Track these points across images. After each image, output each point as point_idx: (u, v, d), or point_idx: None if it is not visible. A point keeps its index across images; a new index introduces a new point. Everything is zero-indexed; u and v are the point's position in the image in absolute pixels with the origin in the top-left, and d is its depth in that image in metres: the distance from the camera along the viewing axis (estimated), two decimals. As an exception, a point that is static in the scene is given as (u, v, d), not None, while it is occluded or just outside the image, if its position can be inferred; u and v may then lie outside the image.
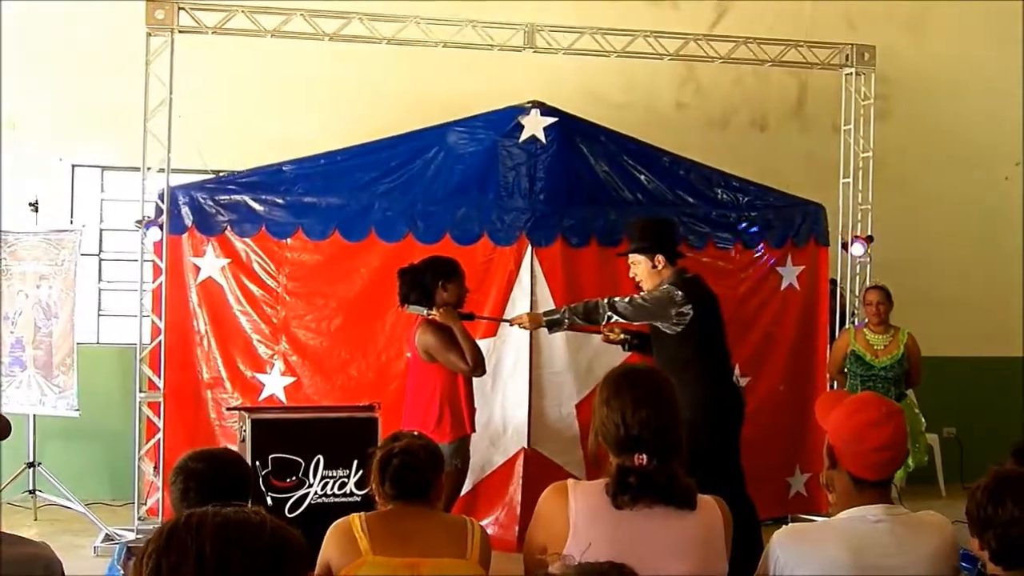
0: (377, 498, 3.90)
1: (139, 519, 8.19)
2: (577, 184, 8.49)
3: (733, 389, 7.01)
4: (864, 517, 3.25)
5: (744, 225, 9.07)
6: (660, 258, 6.81)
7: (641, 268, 6.87)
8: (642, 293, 6.82)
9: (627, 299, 6.79)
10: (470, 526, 3.78)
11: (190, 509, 3.43)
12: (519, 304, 8.23)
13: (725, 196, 9.07)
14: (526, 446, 8.28)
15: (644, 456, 3.22)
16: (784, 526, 3.39)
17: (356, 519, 3.72)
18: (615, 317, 6.80)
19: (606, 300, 6.80)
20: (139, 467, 8.23)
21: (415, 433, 4.06)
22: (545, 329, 7.23)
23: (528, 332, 7.90)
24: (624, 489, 3.19)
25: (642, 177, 8.78)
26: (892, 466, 3.29)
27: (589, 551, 3.11)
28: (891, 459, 3.27)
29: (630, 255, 6.95)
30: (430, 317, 6.93)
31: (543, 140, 8.25)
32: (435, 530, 3.75)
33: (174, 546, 1.81)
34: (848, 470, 3.28)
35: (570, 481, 3.27)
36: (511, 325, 7.47)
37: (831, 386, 9.12)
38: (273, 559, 1.85)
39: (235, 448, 7.16)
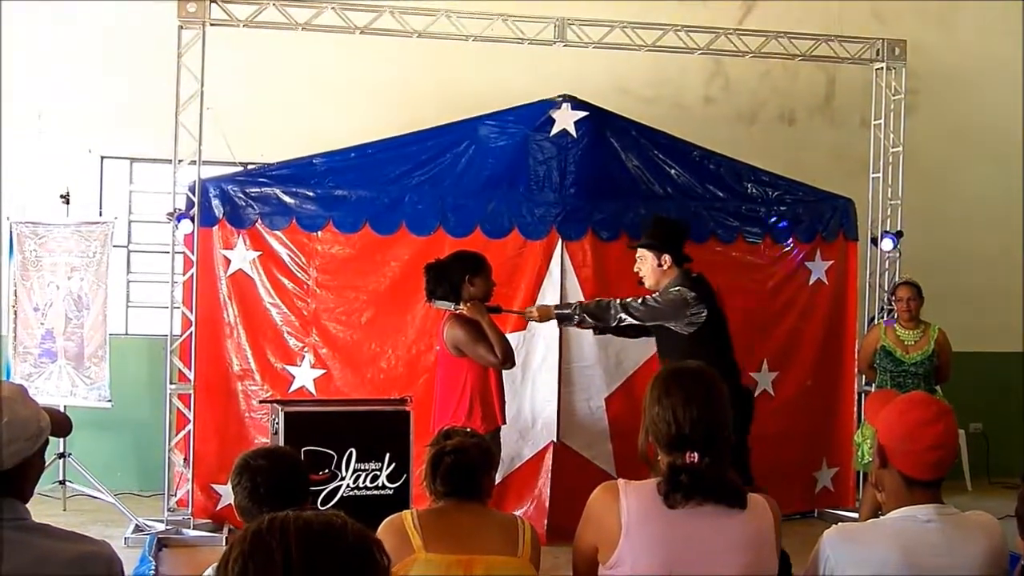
0: (429, 495, 3.88)
1: (169, 510, 8.22)
2: (607, 178, 8.48)
3: (742, 388, 7.00)
4: (915, 517, 3.23)
5: (773, 219, 9.06)
6: (667, 258, 6.88)
7: (647, 264, 6.94)
8: (655, 295, 6.86)
9: (640, 301, 6.83)
10: (521, 525, 3.76)
11: (260, 507, 3.49)
12: (548, 298, 8.21)
13: (754, 190, 9.06)
14: (555, 440, 8.28)
15: (695, 454, 3.20)
16: (833, 525, 3.36)
17: (408, 516, 3.69)
18: (627, 319, 6.83)
19: (619, 301, 6.87)
20: (169, 458, 8.24)
21: (467, 430, 4.04)
22: (600, 321, 7.23)
23: (558, 326, 7.90)
24: (676, 487, 3.17)
25: (672, 171, 8.78)
26: (943, 465, 3.26)
27: (642, 551, 3.11)
28: (942, 458, 3.24)
29: (639, 249, 7.01)
30: (458, 312, 6.92)
31: (574, 134, 8.25)
32: (487, 528, 3.73)
33: (259, 550, 1.80)
34: (899, 469, 3.25)
35: (620, 481, 3.25)
36: (525, 316, 7.48)
37: (860, 381, 9.11)
38: (358, 561, 1.85)
39: (268, 441, 7.21)
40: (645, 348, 7.69)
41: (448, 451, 3.81)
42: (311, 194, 8.31)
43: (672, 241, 6.95)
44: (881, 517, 3.34)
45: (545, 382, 8.34)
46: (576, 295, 8.20)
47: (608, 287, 8.11)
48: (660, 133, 8.77)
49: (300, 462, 3.86)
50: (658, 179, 8.74)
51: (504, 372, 7.10)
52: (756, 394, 8.78)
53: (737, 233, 8.95)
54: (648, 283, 6.94)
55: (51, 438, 2.90)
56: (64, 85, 9.58)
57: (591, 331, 7.54)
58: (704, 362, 6.36)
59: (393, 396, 7.64)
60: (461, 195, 8.38)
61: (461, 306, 6.91)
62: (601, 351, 8.37)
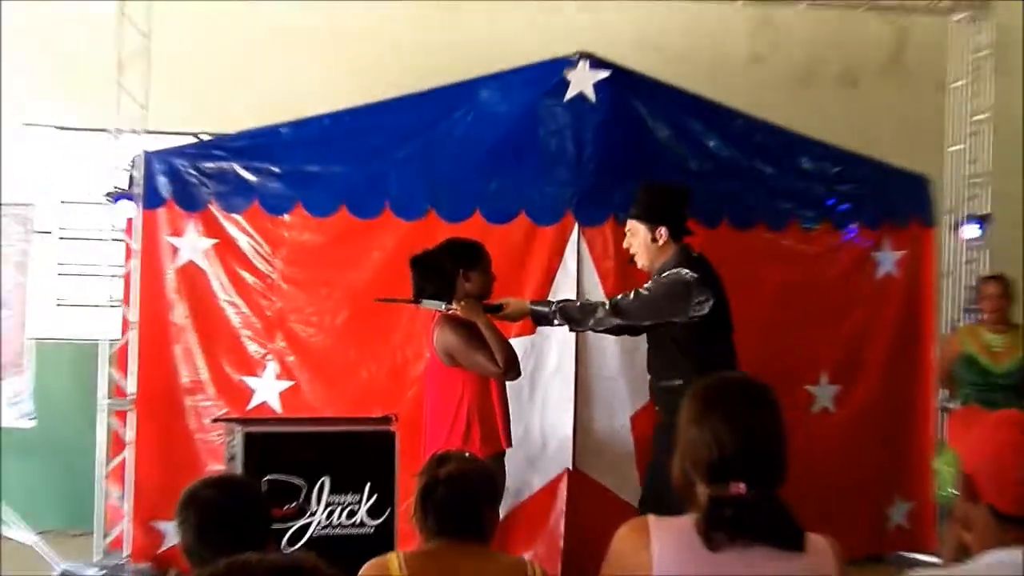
0: (419, 534, 3.85)
1: (102, 553, 8.21)
2: (633, 152, 8.44)
3: None
4: (1012, 562, 3.19)
5: (833, 201, 9.04)
6: (663, 231, 6.74)
7: (639, 239, 6.83)
8: (647, 284, 6.75)
9: (632, 295, 6.72)
10: (531, 569, 3.74)
11: (211, 549, 3.45)
12: (562, 293, 8.17)
13: (810, 166, 9.04)
14: (570, 466, 8.24)
15: (742, 484, 3.17)
16: (909, 572, 3.32)
17: (394, 559, 3.67)
18: (617, 322, 6.75)
19: (609, 302, 6.77)
20: (103, 489, 8.22)
21: (465, 455, 4.01)
22: (580, 325, 7.20)
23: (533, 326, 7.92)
24: (718, 525, 3.14)
25: (711, 143, 8.76)
26: (1044, 499, 3.23)
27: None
28: (1043, 491, 3.21)
29: (628, 222, 6.94)
30: (450, 313, 6.89)
31: (592, 99, 8.24)
32: (489, 573, 3.71)
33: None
34: (989, 504, 3.22)
35: (651, 517, 3.22)
36: (496, 315, 7.20)
37: (941, 396, 9.08)
38: None
39: (223, 468, 7.18)
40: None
41: (442, 480, 3.79)
42: (276, 170, 8.31)
43: (668, 210, 6.83)
44: (968, 562, 3.30)
45: (558, 396, 8.31)
46: (596, 293, 8.16)
47: (635, 281, 8.06)
48: (696, 98, 8.75)
49: (261, 494, 3.84)
50: (694, 153, 8.72)
51: (508, 384, 7.05)
52: (814, 411, 8.79)
53: (789, 218, 8.93)
54: (641, 262, 6.87)
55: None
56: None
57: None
58: (706, 365, 6.47)
59: (375, 414, 7.58)
60: (457, 171, 8.35)
61: (454, 305, 6.87)
62: (627, 357, 8.30)
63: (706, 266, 6.76)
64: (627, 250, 6.94)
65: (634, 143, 8.49)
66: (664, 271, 6.68)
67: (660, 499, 6.59)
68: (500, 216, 8.35)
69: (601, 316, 6.71)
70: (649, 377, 6.96)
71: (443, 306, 6.87)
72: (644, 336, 7.03)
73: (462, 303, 6.83)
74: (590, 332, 7.76)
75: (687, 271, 6.60)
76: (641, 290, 6.70)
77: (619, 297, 6.74)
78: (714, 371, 6.49)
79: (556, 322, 6.86)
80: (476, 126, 8.38)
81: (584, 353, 8.32)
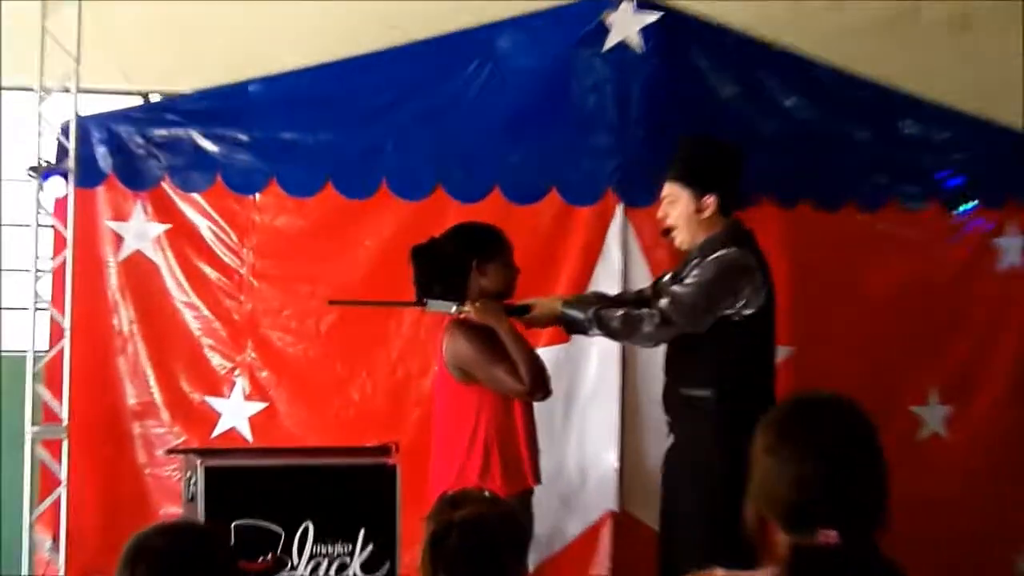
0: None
1: (30, 615, 8.23)
2: (691, 113, 8.41)
3: None
4: None
5: (943, 174, 9.02)
6: (711, 200, 6.70)
7: (679, 208, 6.78)
8: (688, 278, 6.64)
9: (678, 292, 6.59)
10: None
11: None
12: (603, 290, 8.06)
13: (914, 130, 9.02)
14: (615, 508, 8.25)
15: (832, 532, 3.16)
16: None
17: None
18: (669, 335, 6.64)
19: (658, 310, 6.57)
20: (29, 537, 8.21)
21: (485, 494, 3.99)
22: (622, 339, 7.18)
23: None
24: (802, 581, 3.14)
25: (788, 102, 8.75)
26: None
27: None
28: None
29: (667, 185, 6.88)
30: (462, 316, 6.89)
31: (639, 48, 8.25)
32: (516, 645, 3.70)
33: None
34: None
35: (719, 571, 3.22)
36: (521, 319, 7.10)
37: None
38: None
39: (180, 511, 7.19)
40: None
41: (456, 526, 3.76)
42: (245, 138, 8.32)
43: (721, 174, 6.81)
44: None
45: (600, 420, 8.30)
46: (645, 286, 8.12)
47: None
48: (770, 46, 8.78)
49: (226, 544, 3.83)
50: (767, 114, 8.72)
51: (536, 406, 7.05)
52: (921, 437, 8.78)
53: (888, 196, 8.91)
54: (681, 238, 6.81)
55: None
56: None
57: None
58: (741, 378, 6.43)
59: (371, 443, 7.58)
60: (471, 140, 8.36)
61: (467, 307, 6.85)
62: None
63: (758, 249, 6.75)
64: (661, 221, 6.89)
65: (691, 103, 8.47)
66: (709, 251, 6.62)
67: (685, 550, 6.60)
68: (525, 194, 8.36)
69: (650, 330, 6.59)
70: (665, 380, 6.95)
71: (453, 308, 6.83)
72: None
73: (477, 304, 6.80)
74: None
75: (740, 251, 6.58)
76: (685, 284, 6.60)
77: (665, 303, 6.59)
78: (752, 386, 6.55)
79: (592, 332, 6.80)
80: (494, 83, 8.38)
81: (632, 366, 8.30)
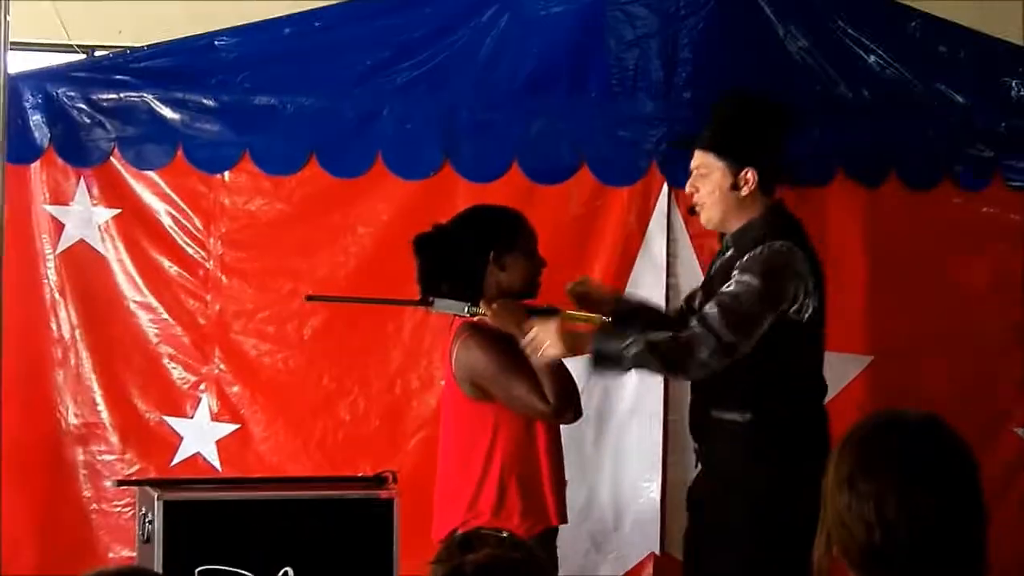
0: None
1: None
2: (754, 73, 8.40)
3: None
4: None
5: (1062, 145, 8.99)
6: (751, 175, 6.59)
7: (711, 182, 6.66)
8: (732, 286, 6.40)
9: (727, 302, 6.32)
10: None
11: None
12: (644, 288, 8.19)
13: (1023, 91, 9.02)
14: (658, 551, 8.29)
15: (917, 580, 3.19)
16: None
17: None
18: (728, 355, 6.37)
19: (704, 328, 6.27)
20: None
21: (502, 534, 4.00)
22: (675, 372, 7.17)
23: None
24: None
25: (872, 58, 8.71)
26: None
27: None
28: None
29: (697, 153, 6.79)
30: (476, 319, 6.91)
31: (688, -7, 8.29)
32: None
33: None
34: None
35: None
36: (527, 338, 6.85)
37: None
38: None
39: (133, 555, 7.21)
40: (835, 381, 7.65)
41: (468, 573, 3.79)
42: (211, 103, 8.31)
43: (763, 143, 6.75)
44: None
45: (639, 447, 8.35)
46: (695, 282, 8.11)
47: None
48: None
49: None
50: (846, 73, 8.69)
51: (563, 429, 7.08)
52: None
53: (993, 170, 8.84)
54: (707, 215, 6.75)
55: None
56: None
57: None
58: (782, 396, 6.43)
59: (363, 472, 7.63)
60: (484, 105, 8.38)
61: (482, 309, 6.85)
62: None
63: (808, 241, 6.68)
64: (689, 197, 6.86)
65: (755, 60, 8.49)
66: (749, 243, 6.50)
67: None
68: (550, 172, 8.36)
69: (705, 357, 6.28)
70: (691, 398, 6.97)
71: (465, 309, 6.83)
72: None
73: (494, 305, 6.80)
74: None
75: (787, 245, 6.45)
76: (732, 290, 6.35)
77: (715, 319, 6.27)
78: (798, 408, 6.53)
79: (629, 363, 6.39)
80: (512, 36, 8.37)
81: (677, 384, 8.22)
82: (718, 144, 6.66)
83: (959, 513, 3.24)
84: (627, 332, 6.35)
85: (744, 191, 6.58)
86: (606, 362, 6.44)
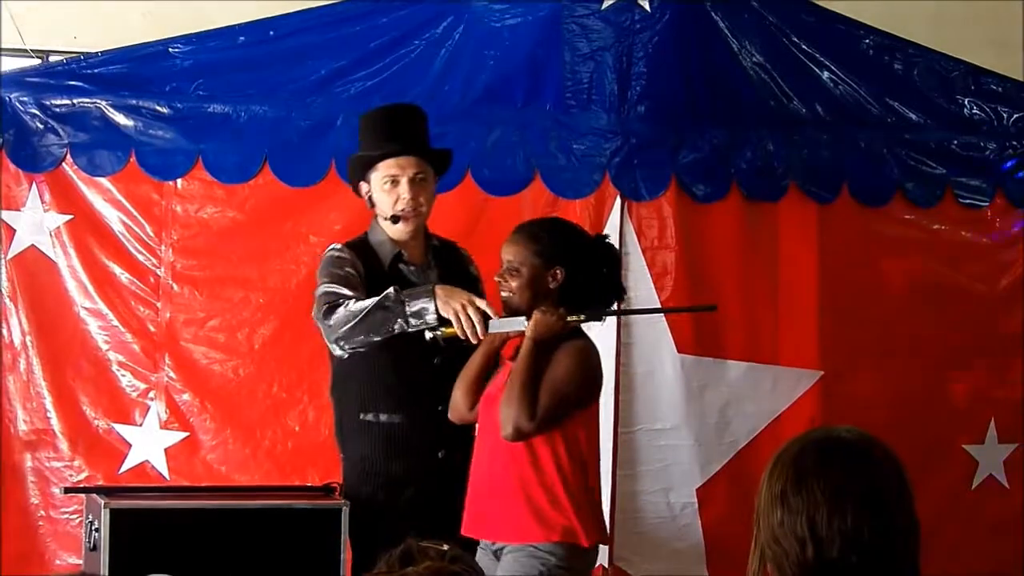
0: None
1: None
2: (708, 88, 8.51)
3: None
4: None
5: (1011, 164, 9.01)
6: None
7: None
8: None
9: None
10: None
11: None
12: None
13: (977, 110, 9.03)
14: (605, 563, 8.25)
15: (853, 596, 3.20)
16: None
17: None
18: None
19: None
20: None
21: (443, 548, 3.96)
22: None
23: (613, 351, 7.94)
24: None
25: (825, 74, 8.77)
26: None
27: None
28: None
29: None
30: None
31: (644, 5, 8.27)
32: None
33: None
34: None
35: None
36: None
37: None
38: None
39: (79, 563, 7.20)
40: (770, 401, 7.65)
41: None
42: (165, 110, 8.28)
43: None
44: None
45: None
46: (648, 298, 8.18)
47: (708, 285, 8.13)
48: (804, 4, 8.81)
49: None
50: (799, 89, 8.73)
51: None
52: (976, 484, 8.75)
53: (944, 187, 8.89)
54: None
55: None
56: None
57: (668, 353, 7.56)
58: None
59: (312, 482, 7.63)
60: (440, 116, 8.17)
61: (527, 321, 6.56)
62: (693, 404, 8.37)
63: None
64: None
65: (710, 74, 8.55)
66: None
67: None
68: (504, 183, 8.38)
69: None
70: None
71: (525, 323, 6.50)
72: (719, 365, 6.99)
73: (543, 310, 6.47)
74: (637, 356, 7.79)
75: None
76: None
77: None
78: None
79: None
80: (468, 46, 8.40)
81: (627, 391, 8.32)
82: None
83: (891, 529, 3.26)
84: None
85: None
86: None
